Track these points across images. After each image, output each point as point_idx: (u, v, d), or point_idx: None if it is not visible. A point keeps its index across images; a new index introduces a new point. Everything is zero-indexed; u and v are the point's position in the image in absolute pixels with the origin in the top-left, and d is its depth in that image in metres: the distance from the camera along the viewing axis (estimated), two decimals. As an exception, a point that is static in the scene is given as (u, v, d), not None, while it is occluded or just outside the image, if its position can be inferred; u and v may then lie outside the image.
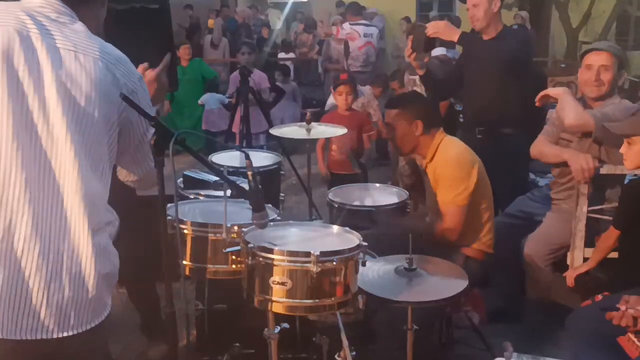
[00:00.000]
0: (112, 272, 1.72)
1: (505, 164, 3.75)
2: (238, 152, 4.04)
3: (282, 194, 3.56)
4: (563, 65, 10.41)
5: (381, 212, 3.30)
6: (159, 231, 1.91)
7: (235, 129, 5.58)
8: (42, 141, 1.56)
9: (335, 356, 2.51)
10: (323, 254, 2.05)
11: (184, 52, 7.88)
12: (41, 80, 1.56)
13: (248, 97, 4.75)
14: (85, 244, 1.60)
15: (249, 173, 2.02)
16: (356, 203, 3.54)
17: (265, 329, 2.32)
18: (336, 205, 3.51)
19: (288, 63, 10.98)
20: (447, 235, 3.06)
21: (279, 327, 2.34)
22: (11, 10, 1.60)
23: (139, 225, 2.52)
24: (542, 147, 3.46)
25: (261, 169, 3.48)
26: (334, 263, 2.07)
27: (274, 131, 3.68)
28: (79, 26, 1.65)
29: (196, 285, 3.20)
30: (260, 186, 2.03)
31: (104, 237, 1.69)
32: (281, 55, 11.47)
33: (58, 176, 1.57)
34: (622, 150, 2.84)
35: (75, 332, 1.62)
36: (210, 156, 3.74)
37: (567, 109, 3.26)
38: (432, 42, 3.77)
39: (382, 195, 3.68)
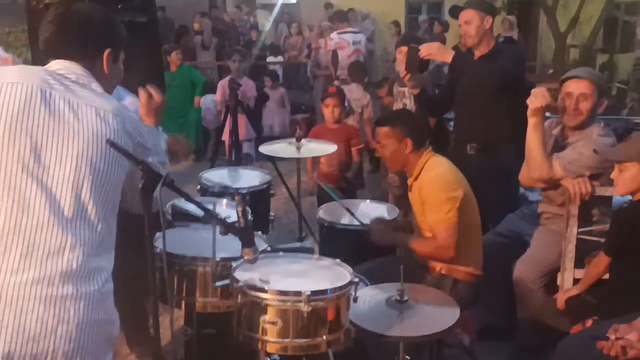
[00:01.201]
0: (113, 321, 1.81)
1: (497, 179, 3.75)
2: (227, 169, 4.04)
3: (272, 214, 3.53)
4: (551, 71, 10.44)
5: (374, 221, 3.31)
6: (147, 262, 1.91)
7: (225, 137, 5.61)
8: (59, 189, 1.68)
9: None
10: (314, 293, 2.03)
11: (175, 57, 7.83)
12: (61, 132, 1.71)
13: (237, 110, 4.74)
14: (90, 290, 1.70)
15: (239, 209, 2.00)
16: (344, 221, 3.52)
17: (255, 362, 2.30)
18: (326, 224, 3.50)
19: (277, 67, 10.91)
20: (442, 254, 3.04)
21: (269, 360, 2.31)
22: (36, 70, 1.82)
23: (129, 241, 2.49)
24: None
25: (251, 189, 3.45)
26: (325, 302, 2.05)
27: (264, 149, 3.66)
28: (96, 86, 1.86)
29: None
30: (249, 210, 2.01)
31: (107, 283, 1.78)
32: (270, 59, 11.37)
33: (71, 222, 1.69)
34: (613, 175, 2.83)
35: None
36: (200, 173, 3.72)
37: (532, 161, 3.23)
38: (425, 63, 3.76)
39: (372, 212, 3.65)
